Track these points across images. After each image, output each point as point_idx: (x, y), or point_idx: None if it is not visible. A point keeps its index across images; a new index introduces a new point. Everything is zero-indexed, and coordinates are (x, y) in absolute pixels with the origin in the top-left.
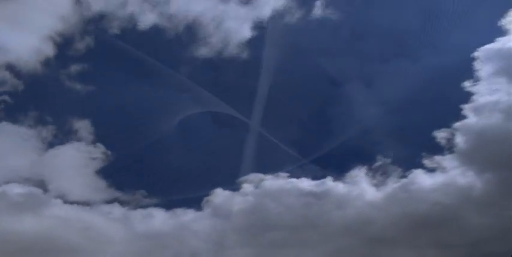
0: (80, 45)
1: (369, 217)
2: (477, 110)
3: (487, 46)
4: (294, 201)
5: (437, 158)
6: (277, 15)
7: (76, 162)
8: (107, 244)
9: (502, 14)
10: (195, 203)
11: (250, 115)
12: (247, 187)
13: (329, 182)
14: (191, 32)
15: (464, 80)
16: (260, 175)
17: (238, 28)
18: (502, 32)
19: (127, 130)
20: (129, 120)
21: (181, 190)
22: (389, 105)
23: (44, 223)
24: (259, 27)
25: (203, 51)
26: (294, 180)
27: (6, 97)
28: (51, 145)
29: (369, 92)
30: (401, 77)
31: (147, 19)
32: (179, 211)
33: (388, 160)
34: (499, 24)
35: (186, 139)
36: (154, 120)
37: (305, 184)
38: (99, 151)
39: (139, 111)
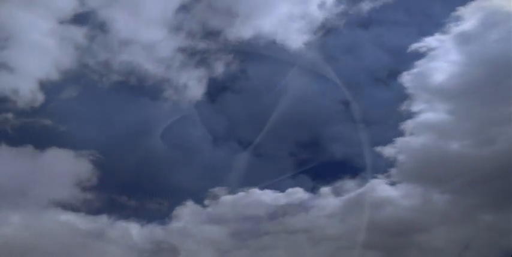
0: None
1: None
2: (414, 128)
3: (412, 71)
4: (266, 212)
5: (387, 171)
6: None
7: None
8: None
9: (417, 39)
10: (169, 214)
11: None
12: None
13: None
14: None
15: (400, 102)
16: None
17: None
18: (419, 56)
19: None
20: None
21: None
22: (347, 125)
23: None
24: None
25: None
26: (266, 192)
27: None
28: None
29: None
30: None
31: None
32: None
33: (348, 175)
34: (414, 49)
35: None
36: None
37: (277, 195)
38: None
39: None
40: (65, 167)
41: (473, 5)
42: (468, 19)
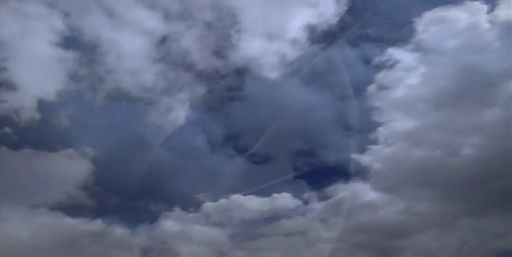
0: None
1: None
2: (385, 137)
3: (372, 85)
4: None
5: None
6: None
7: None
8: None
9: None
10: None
11: None
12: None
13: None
14: None
15: (369, 113)
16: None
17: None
18: (385, 68)
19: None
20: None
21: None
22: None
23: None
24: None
25: None
26: (254, 198)
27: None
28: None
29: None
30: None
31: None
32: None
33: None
34: (380, 62)
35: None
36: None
37: (266, 201)
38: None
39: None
40: (61, 173)
41: (429, 15)
42: (428, 30)
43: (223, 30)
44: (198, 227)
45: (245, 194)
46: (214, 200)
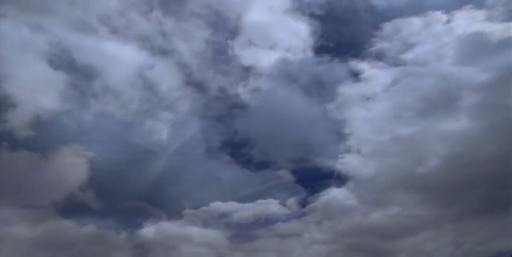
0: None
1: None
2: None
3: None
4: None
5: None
6: None
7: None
8: None
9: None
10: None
11: None
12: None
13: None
14: None
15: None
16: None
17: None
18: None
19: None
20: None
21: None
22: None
23: None
24: None
25: None
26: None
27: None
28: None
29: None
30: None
31: None
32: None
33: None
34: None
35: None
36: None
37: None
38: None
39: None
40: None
41: (390, 26)
42: (390, 40)
43: (221, 41)
44: (191, 231)
45: (236, 201)
46: (198, 207)
